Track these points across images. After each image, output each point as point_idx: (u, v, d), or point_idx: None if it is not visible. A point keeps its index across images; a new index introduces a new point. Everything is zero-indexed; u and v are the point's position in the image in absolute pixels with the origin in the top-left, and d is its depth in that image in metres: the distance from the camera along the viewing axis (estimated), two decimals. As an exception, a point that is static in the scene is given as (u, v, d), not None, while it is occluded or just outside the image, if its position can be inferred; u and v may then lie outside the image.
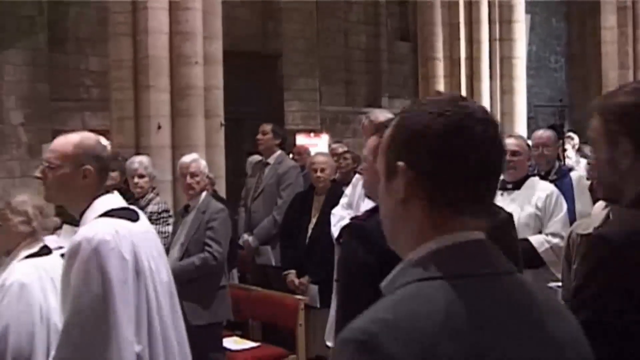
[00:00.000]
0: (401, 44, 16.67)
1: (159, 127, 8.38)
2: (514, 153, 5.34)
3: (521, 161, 5.35)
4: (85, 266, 2.79)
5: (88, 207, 2.98)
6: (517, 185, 5.29)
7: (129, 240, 2.95)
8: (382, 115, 5.34)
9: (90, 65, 12.17)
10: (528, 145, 5.72)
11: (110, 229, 2.91)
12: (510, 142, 5.58)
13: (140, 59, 8.51)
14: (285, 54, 14.42)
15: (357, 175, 5.32)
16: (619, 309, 2.14)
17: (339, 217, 5.23)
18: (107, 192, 3.08)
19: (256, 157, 8.25)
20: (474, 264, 1.37)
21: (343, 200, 5.41)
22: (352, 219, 3.69)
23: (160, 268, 3.11)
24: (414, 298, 1.30)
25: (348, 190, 5.43)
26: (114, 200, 3.08)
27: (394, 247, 1.48)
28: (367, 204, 5.00)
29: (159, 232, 6.12)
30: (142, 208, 6.21)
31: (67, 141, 3.01)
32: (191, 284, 5.75)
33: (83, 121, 12.16)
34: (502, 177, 5.54)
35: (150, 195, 6.27)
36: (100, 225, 2.91)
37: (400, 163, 1.39)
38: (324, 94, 15.16)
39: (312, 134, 14.28)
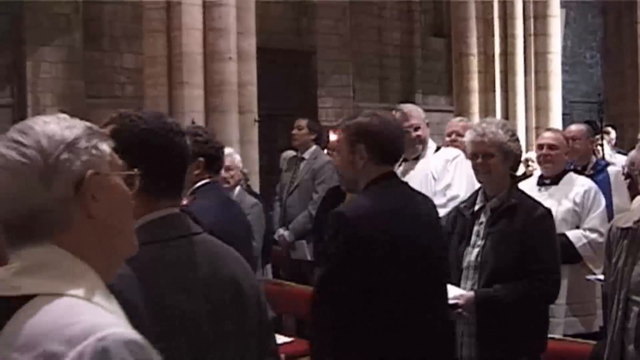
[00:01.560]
0: (435, 40, 16.56)
1: (193, 123, 8.40)
2: (550, 147, 5.24)
3: (559, 155, 5.24)
4: None
5: None
6: (555, 180, 5.20)
7: None
8: (414, 108, 5.32)
9: (124, 62, 12.24)
10: (567, 140, 5.60)
11: None
12: (547, 136, 5.47)
13: (174, 56, 8.56)
14: (318, 50, 14.40)
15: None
16: (348, 271, 3.00)
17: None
18: None
19: (290, 153, 8.24)
20: (174, 230, 2.01)
21: None
22: None
23: None
24: (131, 261, 1.77)
25: None
26: None
27: None
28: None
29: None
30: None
31: None
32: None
33: (118, 118, 12.24)
34: (540, 173, 5.49)
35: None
36: None
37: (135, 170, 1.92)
38: (358, 91, 15.12)
39: (345, 131, 14.21)
